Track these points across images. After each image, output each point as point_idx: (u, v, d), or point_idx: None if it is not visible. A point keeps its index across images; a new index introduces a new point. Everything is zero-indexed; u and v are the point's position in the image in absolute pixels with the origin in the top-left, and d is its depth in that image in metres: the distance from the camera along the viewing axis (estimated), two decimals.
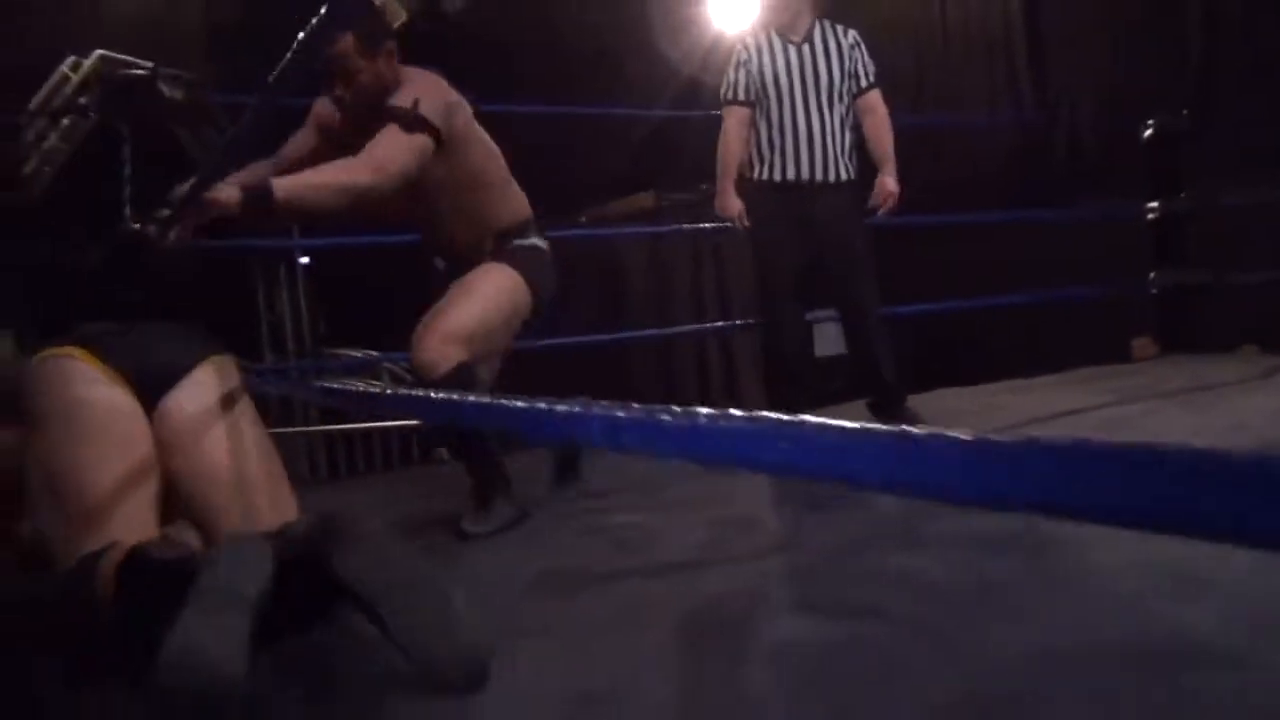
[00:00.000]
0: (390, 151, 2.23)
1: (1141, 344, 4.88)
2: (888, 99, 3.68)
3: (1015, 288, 4.94)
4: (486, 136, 2.59)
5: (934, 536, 1.87)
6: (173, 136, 4.84)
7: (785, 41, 3.48)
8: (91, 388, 1.73)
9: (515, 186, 2.65)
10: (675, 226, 6.73)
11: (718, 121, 3.63)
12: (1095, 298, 4.83)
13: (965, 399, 4.09)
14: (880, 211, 3.58)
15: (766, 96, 3.46)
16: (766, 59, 3.47)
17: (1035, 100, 6.76)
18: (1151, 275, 4.87)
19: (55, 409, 1.70)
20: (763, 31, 3.55)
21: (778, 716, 1.16)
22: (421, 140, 2.28)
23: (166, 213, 2.29)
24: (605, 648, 1.43)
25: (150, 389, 1.80)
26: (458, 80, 2.66)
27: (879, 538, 1.92)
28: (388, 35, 2.41)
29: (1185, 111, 4.92)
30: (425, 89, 2.38)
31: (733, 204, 3.50)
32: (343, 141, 2.42)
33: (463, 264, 2.57)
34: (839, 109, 3.49)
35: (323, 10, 1.29)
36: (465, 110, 2.47)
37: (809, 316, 3.97)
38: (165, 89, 4.19)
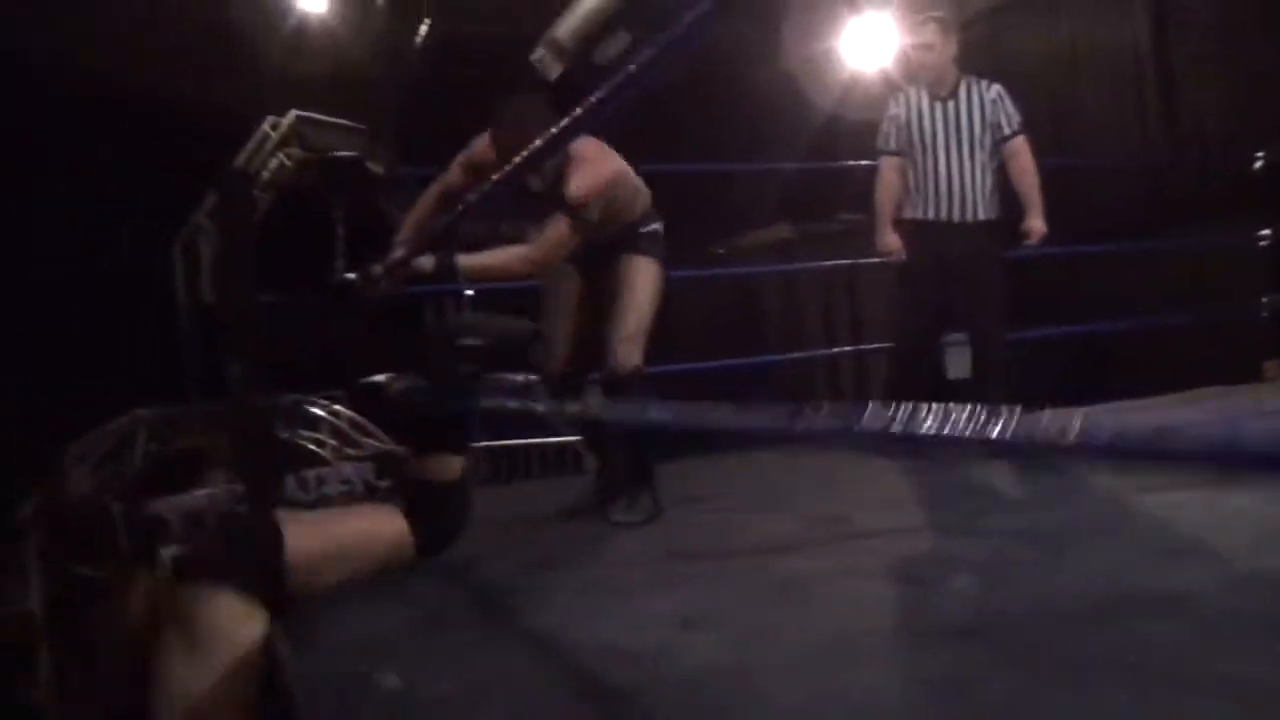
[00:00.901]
0: (560, 238, 2.76)
1: (1272, 365, 5.10)
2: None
3: (1146, 312, 5.32)
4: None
5: (984, 529, 2.32)
6: (373, 204, 5.59)
7: (933, 98, 3.94)
8: None
9: (640, 183, 3.08)
10: (811, 264, 7.20)
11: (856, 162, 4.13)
12: (1212, 321, 5.08)
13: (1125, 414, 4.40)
14: (1028, 245, 4.00)
15: (913, 145, 3.94)
16: (914, 113, 3.95)
17: (1164, 132, 6.99)
18: (1264, 300, 5.08)
19: None
20: (913, 88, 4.04)
21: (820, 635, 1.63)
22: (585, 226, 2.80)
23: (378, 269, 2.91)
24: (709, 595, 1.94)
25: None
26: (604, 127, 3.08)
27: (937, 528, 2.37)
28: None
29: None
30: (593, 181, 2.81)
31: (890, 241, 3.99)
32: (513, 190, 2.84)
33: (599, 250, 2.98)
34: (980, 156, 3.92)
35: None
36: (620, 172, 2.92)
37: (943, 340, 4.47)
38: (371, 166, 4.92)
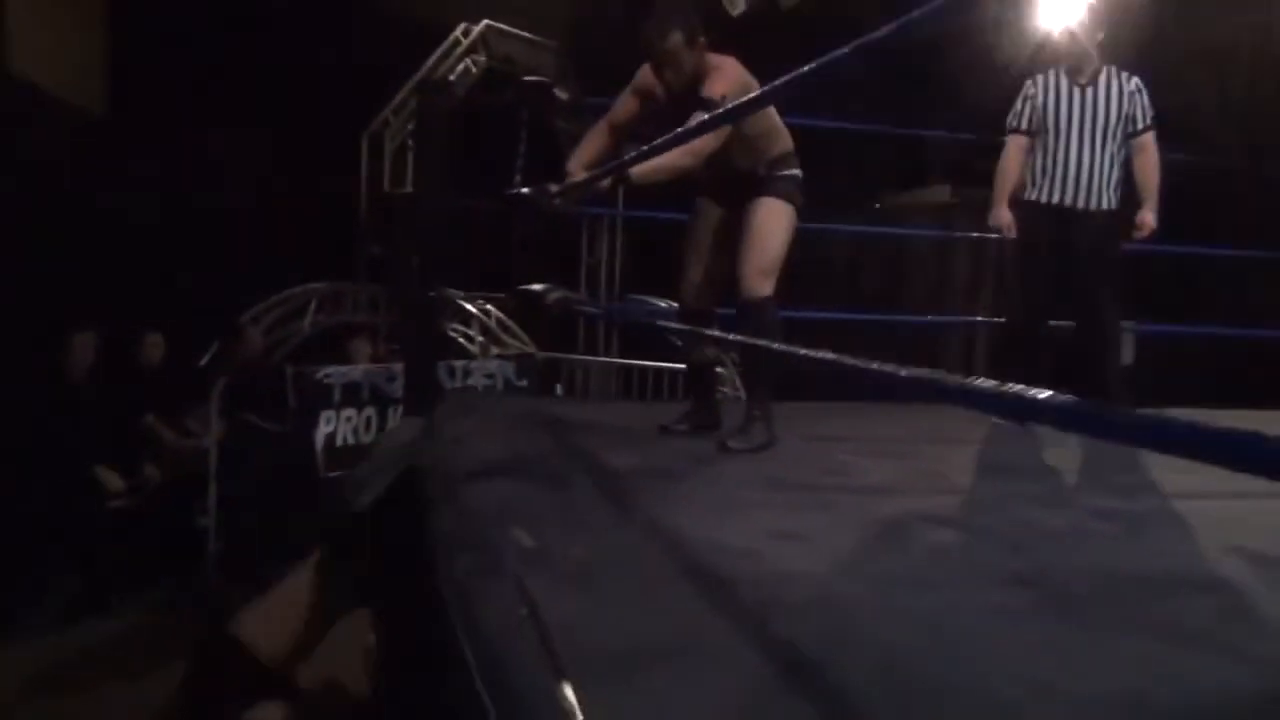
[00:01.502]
0: (703, 139, 2.90)
1: None
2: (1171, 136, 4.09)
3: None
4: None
5: (1069, 502, 2.49)
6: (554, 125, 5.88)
7: (1072, 82, 3.97)
8: None
9: (781, 124, 3.25)
10: (963, 234, 7.20)
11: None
12: None
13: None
14: (1137, 238, 4.04)
15: (1046, 129, 3.97)
16: (1051, 96, 3.98)
17: None
18: None
19: None
20: (1053, 71, 4.06)
21: (891, 562, 1.85)
22: (724, 127, 2.98)
23: (554, 187, 3.17)
24: (803, 518, 2.19)
25: None
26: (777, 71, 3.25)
27: (1027, 495, 2.55)
28: (703, 33, 3.07)
29: None
30: (728, 81, 3.00)
31: (1004, 216, 4.07)
32: (659, 109, 3.15)
33: (737, 188, 3.15)
34: (1111, 146, 3.95)
35: None
36: (755, 88, 2.98)
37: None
38: (559, 92, 5.21)
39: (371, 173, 7.91)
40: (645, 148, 2.62)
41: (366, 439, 4.94)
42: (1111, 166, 3.95)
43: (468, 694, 1.36)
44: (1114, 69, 3.99)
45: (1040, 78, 4.05)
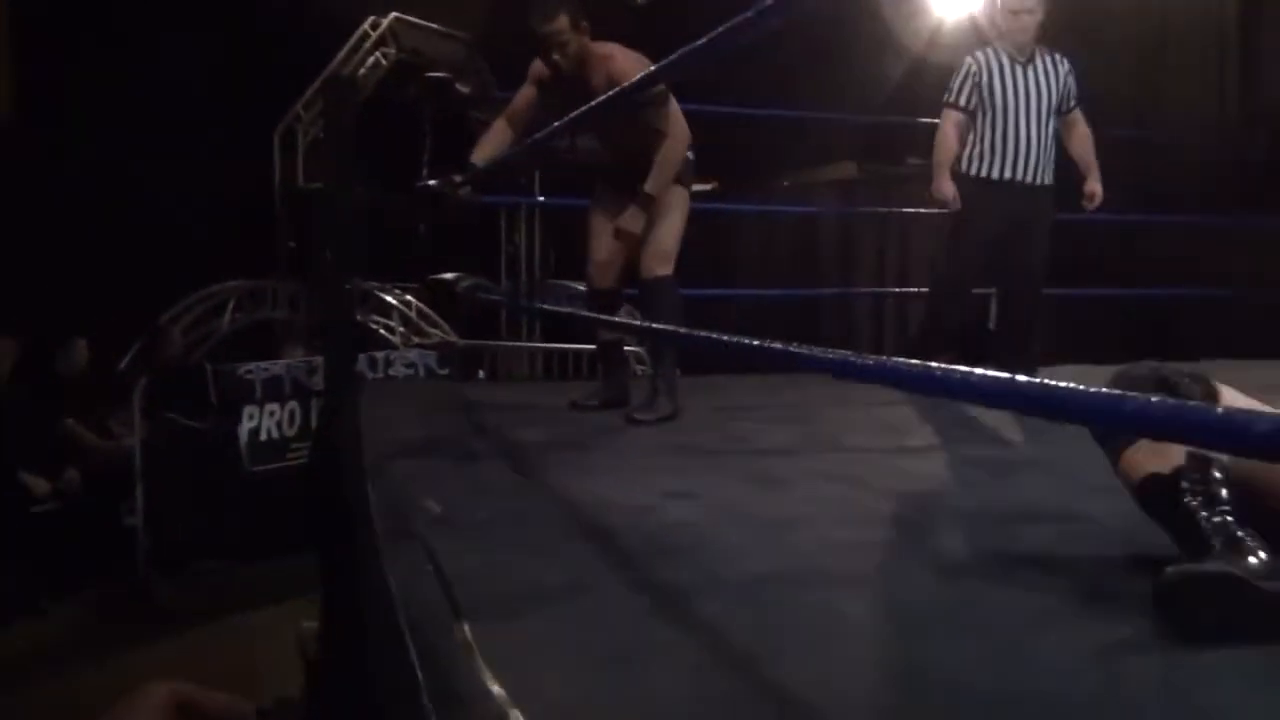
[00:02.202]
0: (679, 125, 3.23)
1: None
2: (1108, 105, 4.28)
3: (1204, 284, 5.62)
4: None
5: (951, 455, 2.71)
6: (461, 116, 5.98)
7: (1013, 61, 4.17)
8: None
9: (676, 109, 3.33)
10: (871, 209, 7.47)
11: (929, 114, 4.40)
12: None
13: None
14: (1088, 209, 4.28)
15: (993, 107, 4.12)
16: (995, 75, 4.14)
17: (1240, 109, 7.10)
18: None
19: None
20: (991, 49, 4.22)
21: (774, 511, 2.04)
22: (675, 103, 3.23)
23: (459, 178, 3.31)
24: (698, 479, 2.37)
25: None
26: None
27: (911, 450, 2.77)
28: (587, 17, 3.20)
29: None
30: (627, 62, 3.13)
31: (948, 188, 4.16)
32: (554, 90, 3.28)
33: (634, 173, 3.24)
34: (1052, 123, 4.16)
35: None
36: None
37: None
38: (460, 87, 5.32)
39: (285, 168, 7.93)
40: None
41: (290, 432, 5.03)
42: (1053, 142, 4.16)
43: (389, 643, 1.51)
44: (1045, 48, 4.19)
45: (981, 55, 4.18)
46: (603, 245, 3.44)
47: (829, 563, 1.77)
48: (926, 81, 8.25)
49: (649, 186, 3.20)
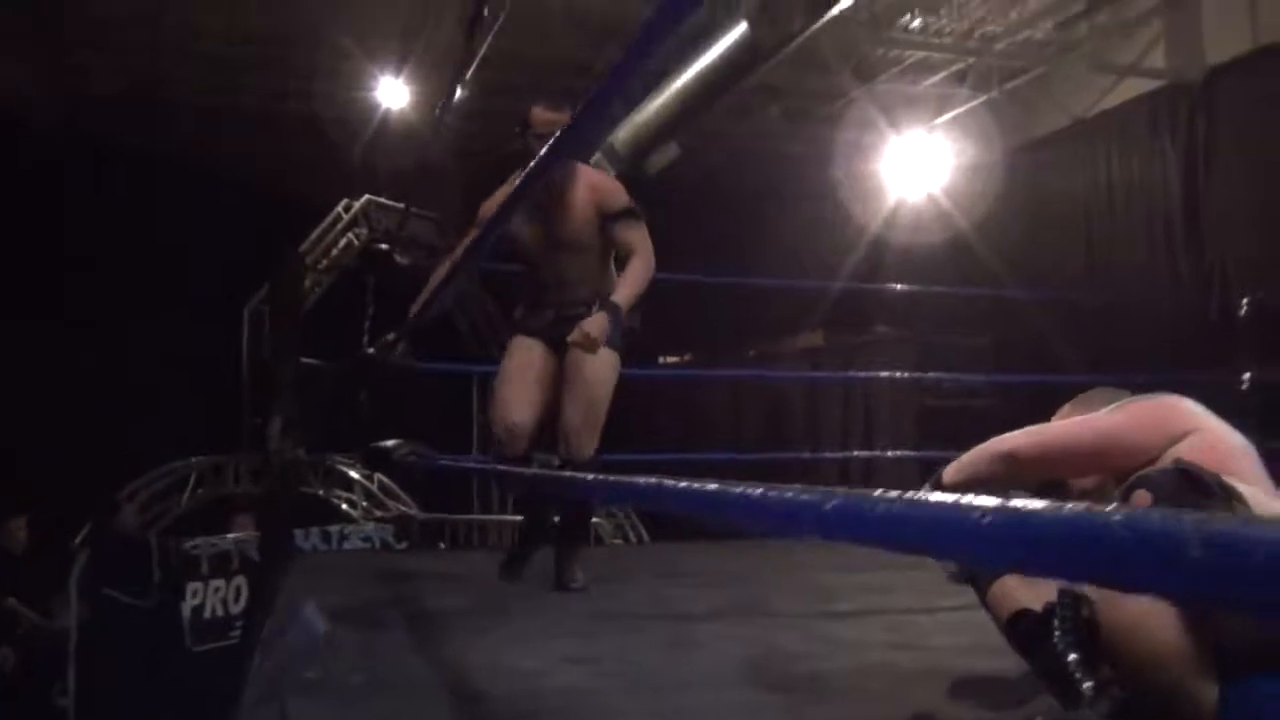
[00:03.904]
0: (649, 247, 3.00)
1: None
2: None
3: None
4: None
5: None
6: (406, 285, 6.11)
7: None
8: None
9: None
10: (834, 374, 7.57)
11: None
12: None
13: None
14: None
15: None
16: None
17: (1189, 272, 7.30)
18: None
19: None
20: None
21: (670, 675, 1.97)
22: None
23: (390, 337, 3.29)
24: (605, 643, 2.28)
25: None
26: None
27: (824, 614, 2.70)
28: None
29: None
30: (612, 179, 3.13)
31: None
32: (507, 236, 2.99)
33: (564, 324, 2.98)
34: None
35: None
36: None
37: None
38: (399, 258, 5.47)
39: (254, 345, 8.04)
40: None
41: (236, 609, 4.91)
42: None
43: None
44: None
45: None
46: (521, 400, 3.06)
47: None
48: (888, 255, 8.54)
49: (618, 297, 2.92)
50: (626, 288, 2.97)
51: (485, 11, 5.20)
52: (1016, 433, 1.60)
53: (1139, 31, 7.60)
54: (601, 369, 3.01)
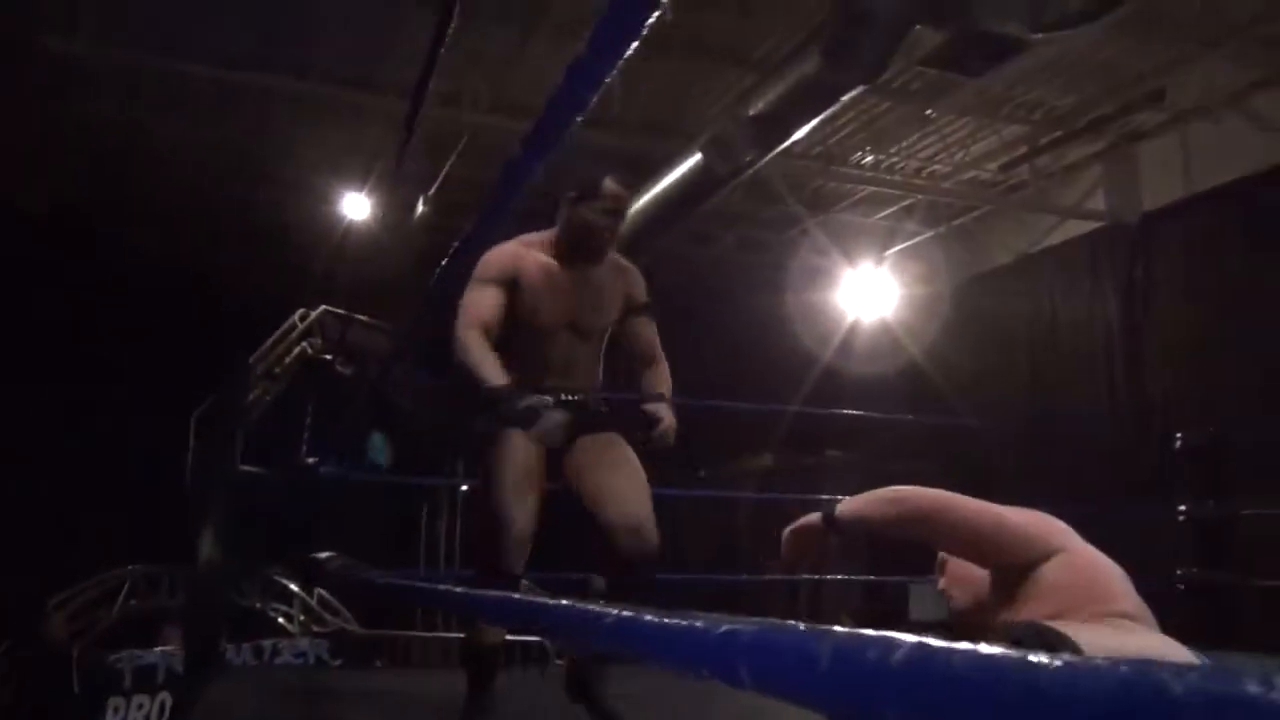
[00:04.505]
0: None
1: None
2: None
3: None
4: None
5: None
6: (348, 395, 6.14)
7: None
8: None
9: None
10: (783, 495, 7.59)
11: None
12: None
13: None
14: None
15: None
16: None
17: (1129, 404, 7.48)
18: (1178, 573, 5.34)
19: None
20: None
21: None
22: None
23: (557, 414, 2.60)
24: None
25: None
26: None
27: None
28: None
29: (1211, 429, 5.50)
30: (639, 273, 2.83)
31: None
32: (544, 285, 2.67)
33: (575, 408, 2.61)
34: None
35: None
36: None
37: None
38: (340, 368, 5.51)
39: (199, 452, 7.94)
40: None
41: None
42: None
43: None
44: None
45: None
46: (531, 509, 2.55)
47: None
48: (840, 380, 8.67)
49: (666, 391, 2.73)
50: (665, 387, 2.76)
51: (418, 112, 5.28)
52: (928, 490, 1.58)
53: (1079, 175, 7.94)
54: (634, 457, 2.68)
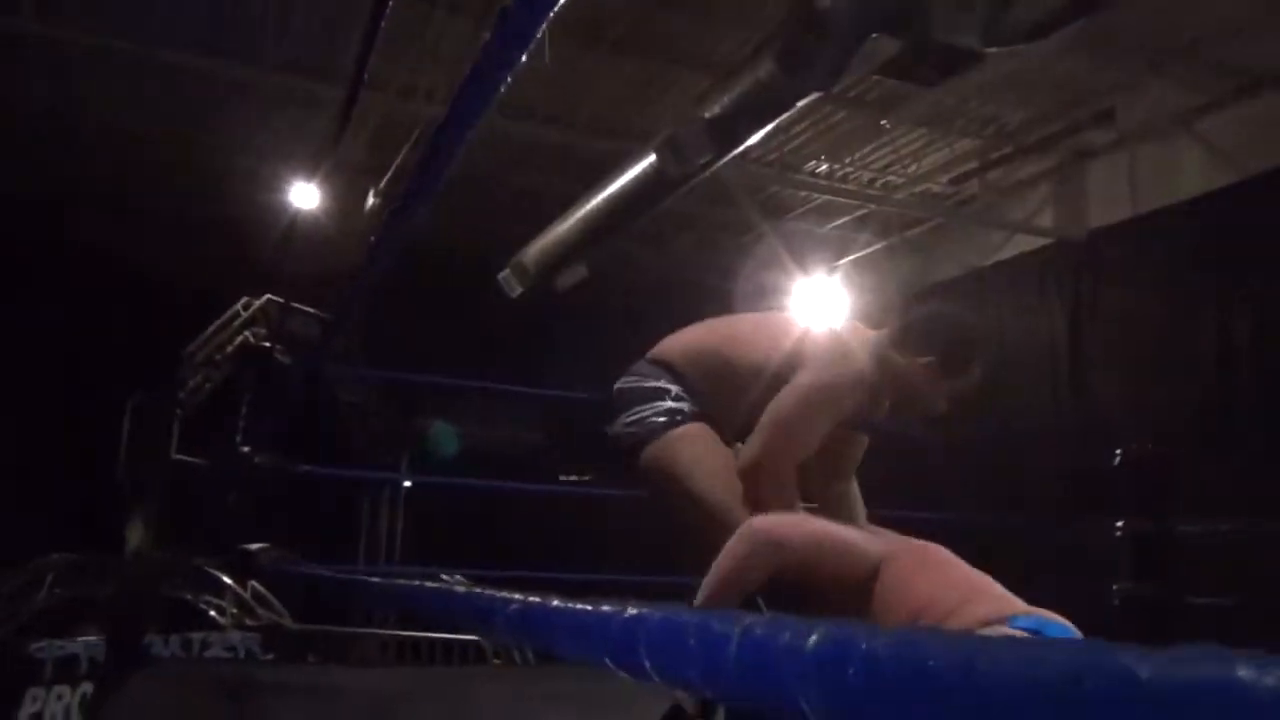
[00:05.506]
0: None
1: None
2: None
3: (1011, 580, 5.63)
4: None
5: None
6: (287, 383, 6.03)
7: None
8: None
9: None
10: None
11: None
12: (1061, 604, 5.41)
13: None
14: None
15: None
16: None
17: (1074, 418, 7.57)
18: (1115, 587, 5.41)
19: None
20: None
21: None
22: None
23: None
24: None
25: None
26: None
27: None
28: None
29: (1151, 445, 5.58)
30: None
31: None
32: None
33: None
34: None
35: None
36: None
37: None
38: (280, 358, 5.39)
39: (132, 441, 7.75)
40: None
41: (79, 718, 4.62)
42: None
43: None
44: None
45: None
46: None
47: None
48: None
49: None
50: None
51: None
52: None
53: (1029, 192, 8.03)
54: None
